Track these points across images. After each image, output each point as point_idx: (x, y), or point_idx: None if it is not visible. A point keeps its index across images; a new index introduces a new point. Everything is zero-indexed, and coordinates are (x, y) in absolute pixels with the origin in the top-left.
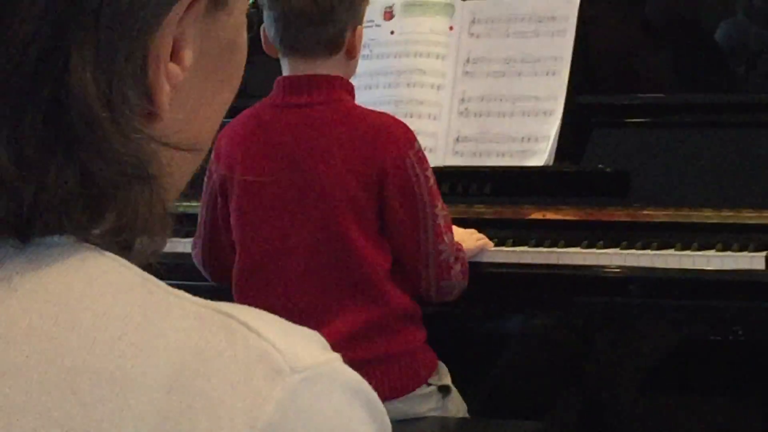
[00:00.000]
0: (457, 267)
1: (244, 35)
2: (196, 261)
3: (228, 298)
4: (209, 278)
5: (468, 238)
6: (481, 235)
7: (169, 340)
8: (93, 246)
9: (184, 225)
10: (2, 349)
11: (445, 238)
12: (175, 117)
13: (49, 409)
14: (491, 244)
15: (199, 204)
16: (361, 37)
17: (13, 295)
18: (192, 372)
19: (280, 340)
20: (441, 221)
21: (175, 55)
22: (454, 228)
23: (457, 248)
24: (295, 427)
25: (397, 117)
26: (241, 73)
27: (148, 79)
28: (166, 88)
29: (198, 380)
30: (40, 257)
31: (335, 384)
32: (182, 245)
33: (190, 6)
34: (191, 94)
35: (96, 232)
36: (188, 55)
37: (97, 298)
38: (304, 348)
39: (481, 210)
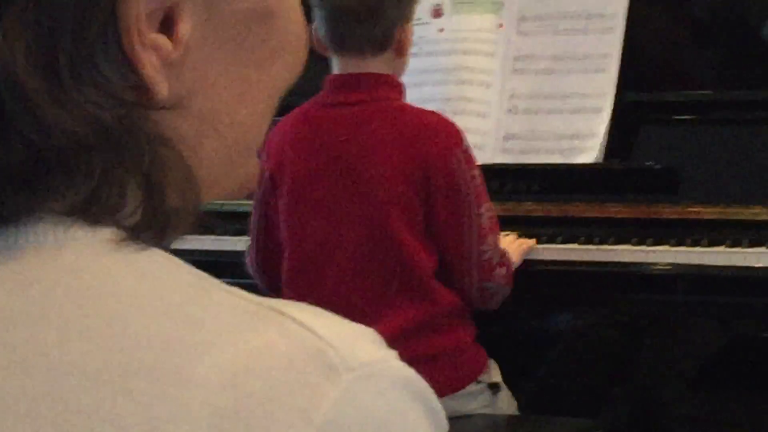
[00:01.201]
0: (501, 270)
1: (290, 2)
2: (250, 268)
3: (278, 296)
4: (263, 285)
5: (510, 245)
6: (523, 239)
7: (224, 338)
8: (141, 244)
9: (234, 223)
10: (57, 349)
11: (489, 239)
12: (179, 93)
13: (103, 407)
14: (533, 242)
15: (248, 202)
16: (410, 34)
17: (58, 294)
18: (247, 370)
19: (335, 337)
20: (486, 222)
21: (168, 27)
22: None
23: (502, 252)
24: (351, 425)
25: (445, 115)
26: (297, 44)
27: (123, 50)
28: (152, 60)
29: (253, 379)
30: (84, 254)
31: (391, 381)
32: (230, 243)
33: None
34: (207, 69)
35: (57, 206)
36: (184, 28)
37: (149, 296)
38: (359, 345)
39: (530, 207)
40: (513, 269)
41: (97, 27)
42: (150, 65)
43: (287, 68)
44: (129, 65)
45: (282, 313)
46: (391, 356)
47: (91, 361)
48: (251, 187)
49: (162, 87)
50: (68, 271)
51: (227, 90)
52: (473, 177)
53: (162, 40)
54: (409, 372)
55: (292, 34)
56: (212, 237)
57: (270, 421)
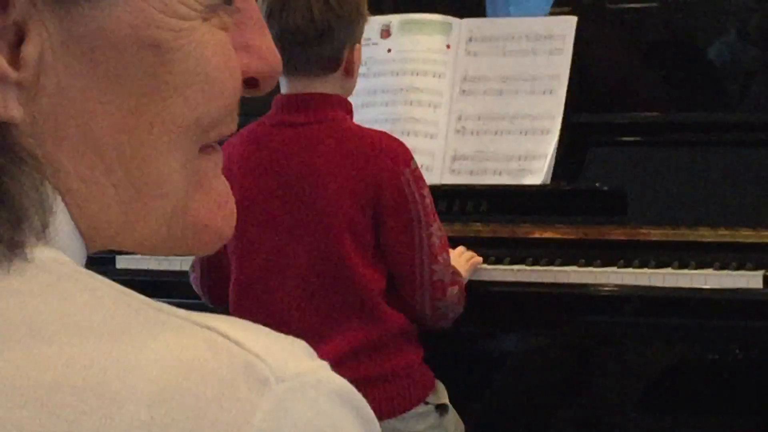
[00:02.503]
0: (454, 289)
1: (198, 37)
2: (195, 285)
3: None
4: (209, 302)
5: (458, 260)
6: (471, 253)
7: (150, 354)
8: (65, 260)
9: None
10: None
11: (440, 259)
12: (39, 116)
13: (28, 424)
14: (480, 260)
15: None
16: (359, 55)
17: None
18: (175, 386)
19: (264, 350)
20: (436, 241)
21: (12, 47)
22: None
23: (453, 271)
24: None
25: (394, 135)
26: (205, 82)
27: None
28: None
29: (181, 395)
30: (8, 276)
31: (323, 392)
32: (176, 263)
33: None
34: (74, 94)
35: None
36: (29, 49)
37: (71, 315)
38: (289, 356)
39: (478, 228)
40: (464, 287)
41: None
42: None
43: (191, 105)
44: None
45: (209, 328)
46: (322, 367)
47: (14, 379)
48: (196, 247)
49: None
50: None
51: (108, 120)
52: (423, 197)
53: None
54: (341, 382)
55: (198, 71)
56: (158, 257)
57: None
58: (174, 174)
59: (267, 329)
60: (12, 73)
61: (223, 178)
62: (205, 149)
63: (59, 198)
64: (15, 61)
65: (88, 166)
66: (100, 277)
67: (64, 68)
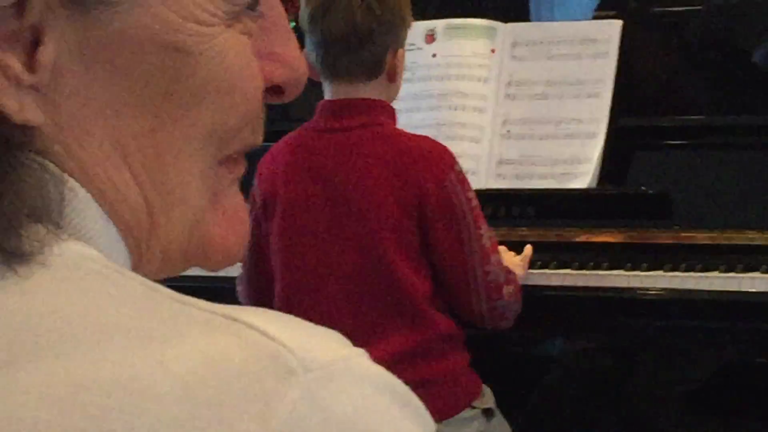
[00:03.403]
0: (509, 288)
1: (221, 43)
2: (242, 299)
3: None
4: None
5: (510, 259)
6: (515, 254)
7: (177, 350)
8: (89, 256)
9: None
10: (6, 368)
11: (492, 259)
12: (60, 121)
13: (57, 422)
14: (530, 251)
15: None
16: (402, 60)
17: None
18: (201, 380)
19: (291, 339)
20: (486, 242)
21: (29, 51)
22: None
23: (507, 270)
24: (311, 427)
25: (439, 140)
26: (227, 89)
27: None
28: (3, 85)
29: (207, 388)
30: (28, 273)
31: (355, 379)
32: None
33: None
34: (94, 98)
35: None
36: (44, 52)
37: (99, 311)
38: (318, 345)
39: (524, 233)
40: (520, 284)
41: None
42: (2, 91)
43: (212, 111)
44: None
45: (235, 320)
46: (356, 354)
47: (42, 380)
48: (203, 263)
49: (13, 107)
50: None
51: (130, 123)
52: (469, 200)
53: (11, 60)
54: (376, 369)
55: (220, 77)
56: None
57: (226, 429)
58: (196, 182)
59: (299, 320)
60: (27, 77)
61: (241, 196)
62: (226, 163)
63: (89, 196)
64: (31, 64)
65: (114, 168)
66: (129, 273)
67: (83, 72)
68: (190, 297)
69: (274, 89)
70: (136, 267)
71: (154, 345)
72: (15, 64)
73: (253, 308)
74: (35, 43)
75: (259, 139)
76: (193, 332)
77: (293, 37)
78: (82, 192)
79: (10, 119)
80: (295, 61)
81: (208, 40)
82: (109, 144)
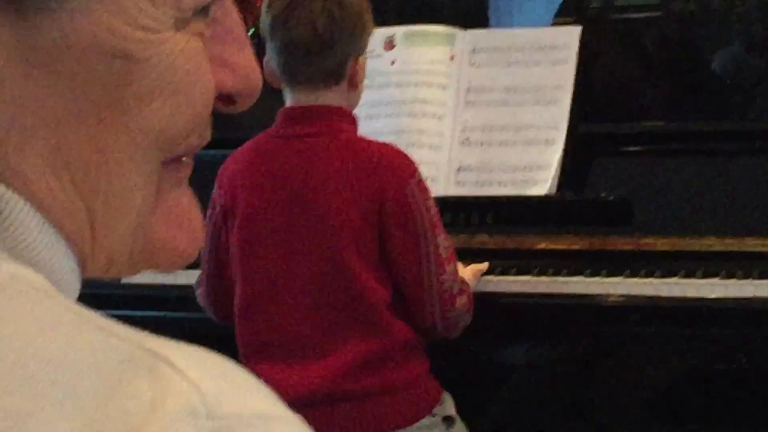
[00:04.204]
0: (462, 298)
1: (168, 47)
2: (201, 302)
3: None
4: (215, 319)
5: (463, 270)
6: (475, 264)
7: (87, 381)
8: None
9: None
10: None
11: (448, 269)
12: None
13: None
14: (485, 266)
15: None
16: (363, 67)
17: None
18: (106, 415)
19: (208, 383)
20: (443, 252)
21: None
22: None
23: (461, 280)
24: None
25: (398, 147)
26: (175, 92)
27: None
28: None
29: (113, 423)
30: None
31: None
32: (182, 277)
33: None
34: (35, 103)
35: None
36: None
37: (18, 336)
38: (235, 397)
39: (484, 240)
40: (472, 296)
41: None
42: None
43: (158, 115)
44: None
45: (155, 355)
46: (280, 418)
47: None
48: (156, 265)
49: None
50: None
51: (73, 130)
52: (428, 208)
53: None
54: None
55: (166, 83)
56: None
57: None
58: (139, 186)
59: (235, 369)
60: None
61: (191, 195)
62: (173, 163)
63: (28, 206)
64: None
65: (55, 177)
66: (59, 297)
67: (23, 79)
68: (119, 325)
69: (225, 98)
70: (83, 272)
71: (65, 376)
72: None
73: (180, 344)
74: None
75: (205, 141)
76: (108, 365)
77: (248, 45)
78: (20, 203)
79: None
80: (248, 71)
81: (155, 47)
82: (50, 152)
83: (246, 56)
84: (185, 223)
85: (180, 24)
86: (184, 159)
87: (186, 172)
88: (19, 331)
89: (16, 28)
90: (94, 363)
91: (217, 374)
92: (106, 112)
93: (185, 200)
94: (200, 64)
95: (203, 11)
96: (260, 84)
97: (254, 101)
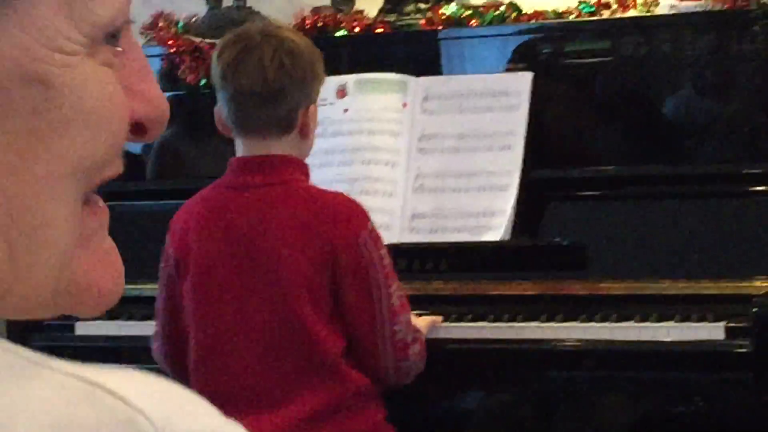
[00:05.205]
0: (416, 347)
1: (86, 74)
2: (156, 356)
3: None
4: (171, 374)
5: (416, 319)
6: (428, 316)
7: (28, 414)
8: None
9: (140, 308)
10: None
11: (401, 318)
12: None
13: None
14: (439, 318)
15: (154, 286)
16: (315, 116)
17: None
18: None
19: (152, 407)
20: (396, 301)
21: None
22: None
23: (414, 329)
24: None
25: (352, 195)
26: (96, 120)
27: None
28: None
29: None
30: None
31: None
32: (137, 328)
33: None
34: None
35: None
36: None
37: None
38: (181, 414)
39: (439, 286)
40: (425, 344)
41: None
42: None
43: (76, 144)
44: None
45: (93, 383)
46: (225, 428)
47: None
48: (80, 308)
49: None
50: None
51: None
52: (381, 258)
53: None
54: None
55: (83, 109)
56: (118, 322)
57: None
58: (60, 222)
59: (172, 387)
60: None
61: (111, 241)
62: (90, 205)
63: None
64: None
65: None
66: None
67: None
68: (47, 357)
69: (136, 127)
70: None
71: (4, 411)
72: None
73: (116, 371)
74: None
75: (118, 171)
76: (47, 396)
77: (153, 74)
78: None
79: None
80: (156, 98)
81: (71, 71)
82: None
83: (154, 84)
84: (109, 265)
85: (92, 48)
86: (100, 204)
87: (103, 216)
88: None
89: None
90: (24, 394)
91: (159, 395)
92: (24, 141)
93: (108, 243)
94: (115, 90)
95: (113, 38)
96: (168, 112)
97: (162, 130)
